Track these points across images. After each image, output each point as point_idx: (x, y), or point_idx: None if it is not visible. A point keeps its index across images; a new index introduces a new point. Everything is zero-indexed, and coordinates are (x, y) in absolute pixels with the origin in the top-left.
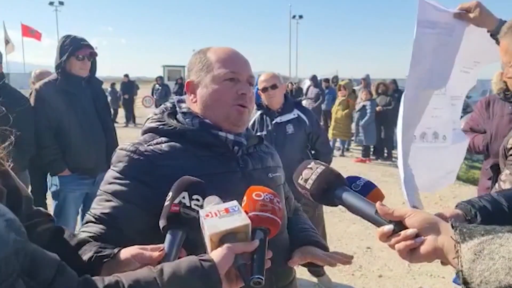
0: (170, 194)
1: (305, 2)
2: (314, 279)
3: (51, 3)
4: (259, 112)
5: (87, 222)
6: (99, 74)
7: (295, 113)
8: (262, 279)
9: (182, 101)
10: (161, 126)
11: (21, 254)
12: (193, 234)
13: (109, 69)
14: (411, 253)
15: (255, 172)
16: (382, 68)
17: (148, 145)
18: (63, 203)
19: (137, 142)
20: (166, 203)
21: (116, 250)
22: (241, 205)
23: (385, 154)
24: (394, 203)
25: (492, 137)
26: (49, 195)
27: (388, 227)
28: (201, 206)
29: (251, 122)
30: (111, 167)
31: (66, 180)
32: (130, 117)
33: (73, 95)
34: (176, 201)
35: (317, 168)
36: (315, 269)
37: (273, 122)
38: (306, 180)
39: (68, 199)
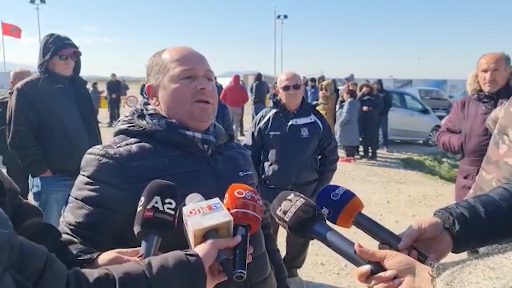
0: (142, 199)
1: (290, 2)
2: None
3: (32, 1)
4: (274, 111)
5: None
6: (82, 73)
7: (312, 118)
8: (244, 273)
9: (148, 103)
10: (130, 128)
11: (7, 248)
12: (168, 237)
13: (92, 68)
14: None
15: (225, 170)
16: (367, 68)
17: (118, 147)
18: (44, 205)
19: (107, 145)
20: (139, 208)
21: (95, 255)
22: (223, 202)
23: (370, 154)
24: (378, 203)
25: (466, 136)
26: (30, 196)
27: (366, 268)
28: (175, 210)
29: (265, 119)
30: (81, 172)
31: (48, 181)
32: (115, 117)
33: (56, 94)
34: (149, 206)
35: (296, 201)
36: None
37: (289, 123)
38: (285, 212)
39: (50, 201)
